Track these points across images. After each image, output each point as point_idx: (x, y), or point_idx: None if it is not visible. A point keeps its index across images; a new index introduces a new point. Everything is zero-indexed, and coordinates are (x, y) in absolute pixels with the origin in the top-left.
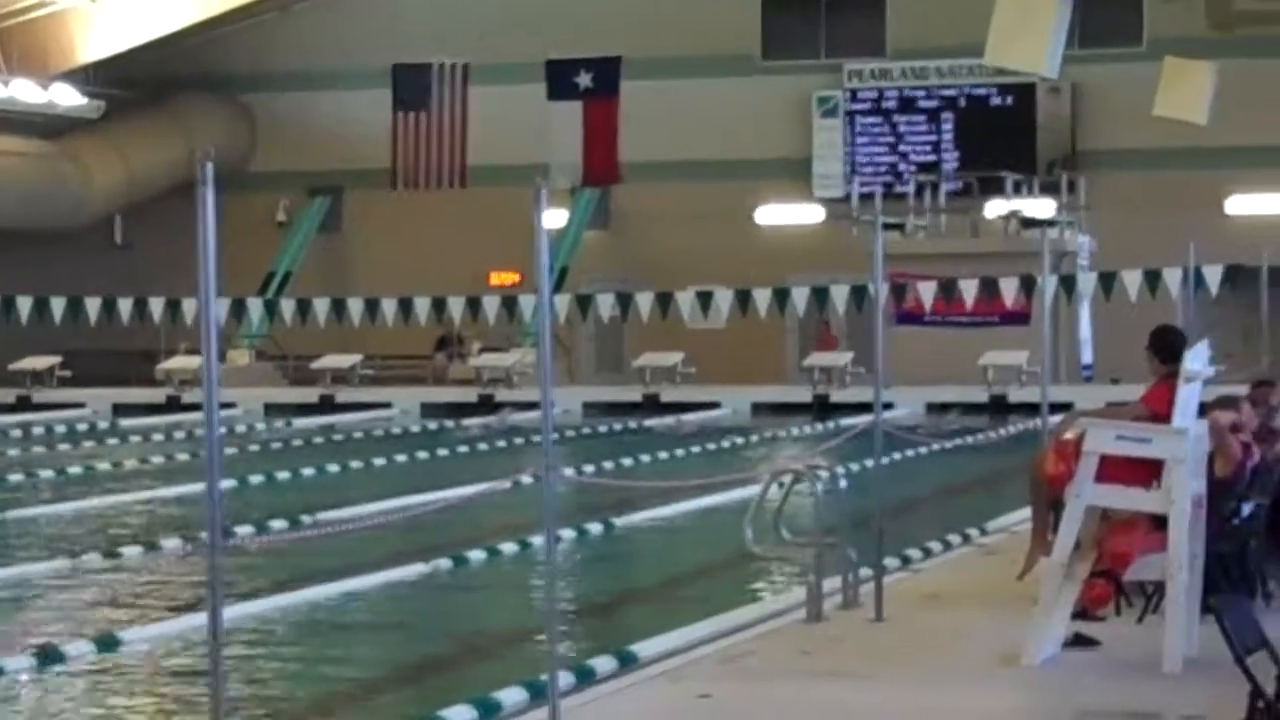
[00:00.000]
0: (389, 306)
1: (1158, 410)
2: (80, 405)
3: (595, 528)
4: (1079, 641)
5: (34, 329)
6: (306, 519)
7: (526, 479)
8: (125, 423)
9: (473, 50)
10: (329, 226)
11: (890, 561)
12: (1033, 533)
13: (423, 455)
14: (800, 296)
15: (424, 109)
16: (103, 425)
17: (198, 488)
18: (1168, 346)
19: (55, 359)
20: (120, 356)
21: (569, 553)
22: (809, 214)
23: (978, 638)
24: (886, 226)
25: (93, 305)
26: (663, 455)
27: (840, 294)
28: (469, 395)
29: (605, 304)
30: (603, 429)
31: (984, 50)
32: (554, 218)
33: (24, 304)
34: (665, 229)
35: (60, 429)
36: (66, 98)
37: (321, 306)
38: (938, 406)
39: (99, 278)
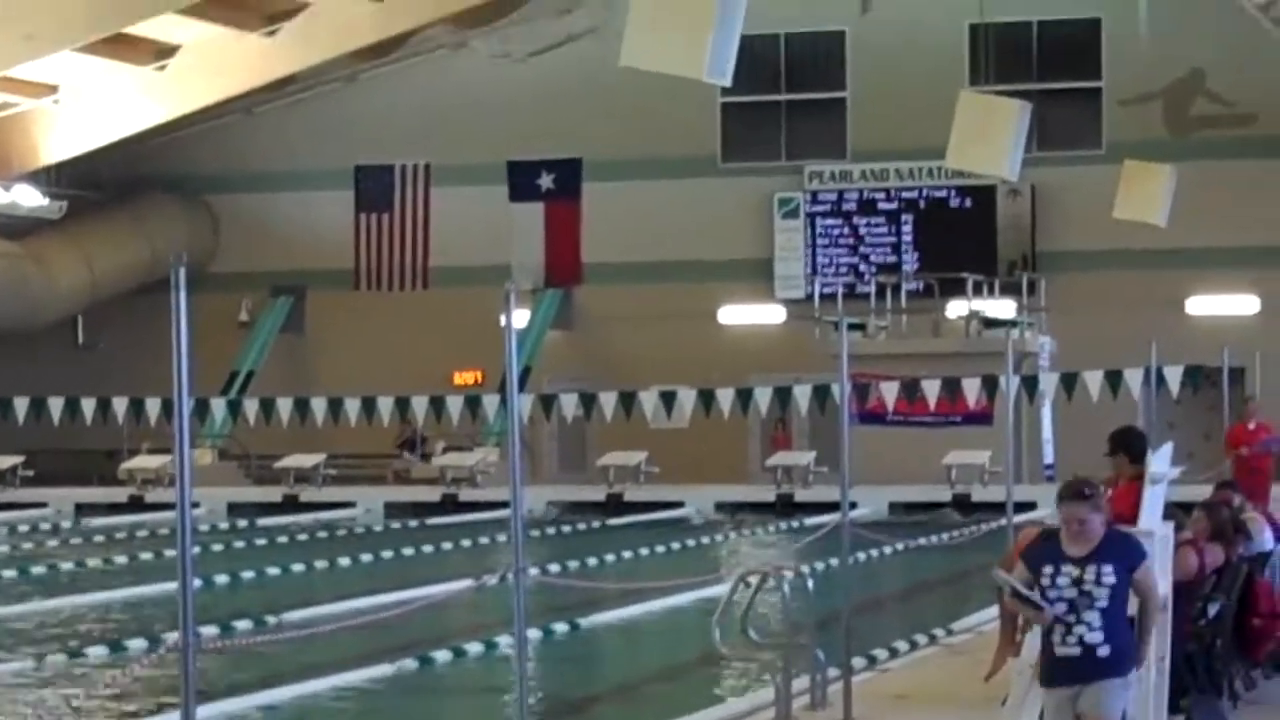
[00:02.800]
0: (352, 406)
1: (1123, 511)
2: (43, 505)
3: (561, 627)
4: None
5: None
6: (271, 619)
7: (491, 579)
8: (88, 522)
9: (435, 151)
10: (292, 326)
11: (857, 661)
12: (1001, 633)
13: (387, 554)
14: (763, 396)
15: (386, 210)
16: (66, 525)
17: (161, 588)
18: (1133, 446)
19: (18, 458)
20: (83, 456)
21: (535, 653)
22: (771, 314)
23: None
24: (849, 327)
25: (55, 405)
26: (627, 555)
27: (803, 394)
28: (433, 494)
29: (569, 404)
30: (566, 528)
31: (944, 152)
32: (517, 318)
33: None
34: (628, 329)
35: (23, 528)
36: (29, 198)
37: (285, 406)
38: (917, 506)
39: (61, 377)
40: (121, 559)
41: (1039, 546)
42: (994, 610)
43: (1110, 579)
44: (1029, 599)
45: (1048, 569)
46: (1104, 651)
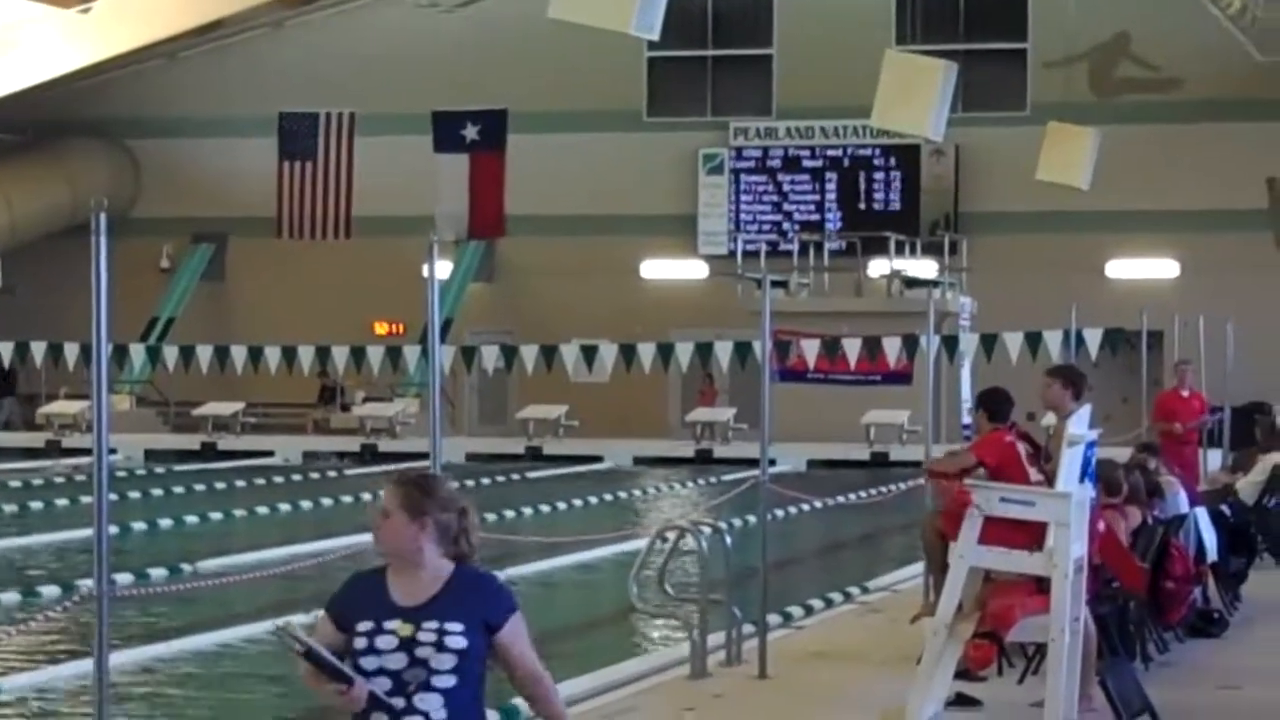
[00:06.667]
0: (272, 354)
1: (984, 458)
2: None
3: None
4: (961, 701)
5: None
6: (188, 567)
7: None
8: (4, 466)
9: (360, 100)
10: (212, 274)
11: (773, 618)
12: (935, 585)
13: (306, 504)
14: (684, 352)
15: (309, 158)
16: None
17: (77, 534)
18: (991, 405)
19: None
20: None
21: None
22: (693, 270)
23: (861, 696)
24: (771, 284)
25: None
26: (545, 508)
27: (724, 350)
28: (352, 444)
29: (489, 356)
30: (485, 480)
31: (869, 112)
32: (439, 269)
33: None
34: (550, 282)
35: None
36: None
37: (204, 353)
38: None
39: None
40: (37, 505)
41: (356, 588)
42: (909, 570)
43: (458, 643)
44: (333, 667)
45: (365, 625)
46: None
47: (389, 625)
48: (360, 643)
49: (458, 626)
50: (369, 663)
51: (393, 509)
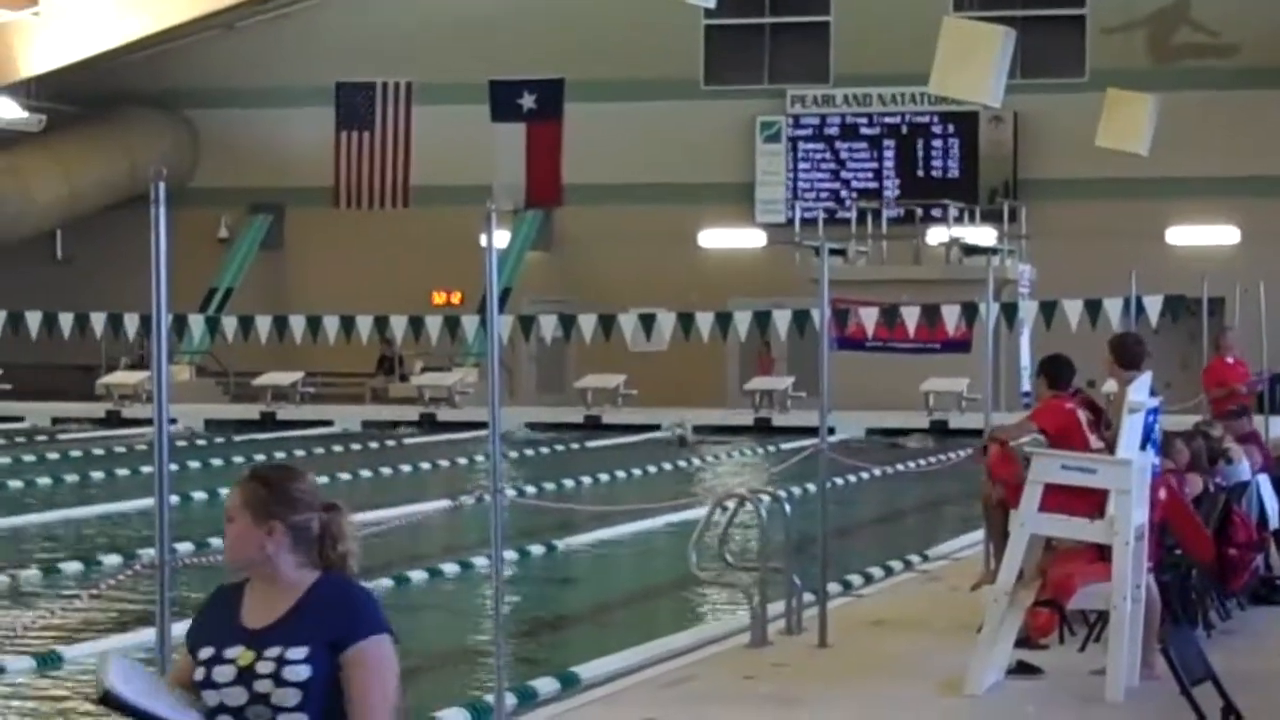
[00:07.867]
0: (330, 324)
1: (1045, 426)
2: (19, 419)
3: (537, 549)
4: (1022, 669)
5: None
6: None
7: (468, 499)
8: (64, 437)
9: (416, 70)
10: (271, 243)
11: (833, 587)
12: (996, 552)
13: (365, 473)
14: (742, 320)
15: (367, 128)
16: (41, 439)
17: (137, 504)
18: (1052, 372)
19: None
20: (60, 370)
21: (511, 574)
22: (751, 238)
23: (922, 664)
24: (829, 252)
25: (33, 319)
26: (604, 477)
27: (782, 318)
28: (410, 414)
29: (548, 325)
30: (545, 449)
31: (927, 78)
32: (497, 239)
33: None
34: (608, 251)
35: None
36: (7, 111)
37: (263, 323)
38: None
39: (39, 291)
40: (98, 474)
41: (212, 607)
42: (969, 537)
43: (299, 673)
44: (139, 712)
45: (205, 652)
46: None
47: (229, 653)
48: (198, 674)
49: (300, 653)
50: (209, 698)
51: (236, 512)
